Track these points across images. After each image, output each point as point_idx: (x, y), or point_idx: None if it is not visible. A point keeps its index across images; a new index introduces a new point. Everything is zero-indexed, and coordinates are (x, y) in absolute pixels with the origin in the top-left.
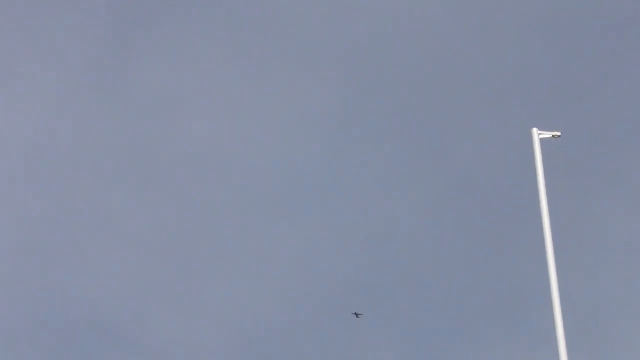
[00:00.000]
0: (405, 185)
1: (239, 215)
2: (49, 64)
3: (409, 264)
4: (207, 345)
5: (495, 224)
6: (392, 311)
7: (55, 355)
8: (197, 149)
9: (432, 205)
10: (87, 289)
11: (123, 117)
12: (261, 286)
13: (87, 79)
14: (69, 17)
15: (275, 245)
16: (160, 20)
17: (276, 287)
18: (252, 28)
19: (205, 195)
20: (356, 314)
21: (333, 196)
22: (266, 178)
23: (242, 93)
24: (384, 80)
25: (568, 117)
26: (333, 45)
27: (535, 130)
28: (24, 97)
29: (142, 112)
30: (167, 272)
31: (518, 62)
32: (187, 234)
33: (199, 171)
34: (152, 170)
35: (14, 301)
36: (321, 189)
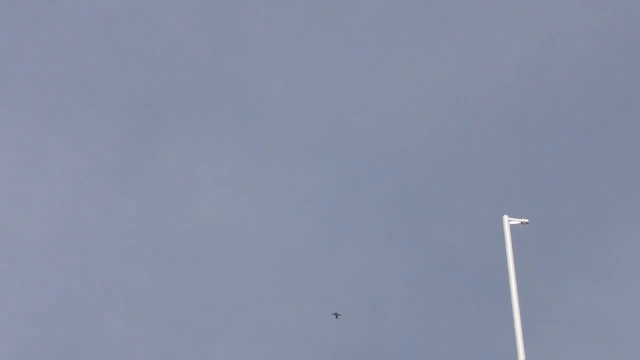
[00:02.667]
0: (394, 264)
1: (245, 287)
2: (77, 152)
3: (396, 333)
4: None
5: (470, 300)
6: None
7: None
8: (207, 229)
9: (416, 282)
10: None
11: (141, 200)
12: (264, 351)
13: (110, 165)
14: (95, 111)
15: (276, 314)
16: (176, 116)
17: (276, 353)
18: (257, 123)
19: (214, 270)
20: (336, 315)
21: (329, 272)
22: (269, 255)
23: (248, 179)
24: (376, 172)
25: (536, 205)
26: (330, 138)
27: (506, 217)
28: (53, 179)
29: (158, 196)
30: (179, 339)
31: (492, 158)
32: (197, 305)
33: (208, 248)
34: (166, 247)
35: None
36: (318, 265)
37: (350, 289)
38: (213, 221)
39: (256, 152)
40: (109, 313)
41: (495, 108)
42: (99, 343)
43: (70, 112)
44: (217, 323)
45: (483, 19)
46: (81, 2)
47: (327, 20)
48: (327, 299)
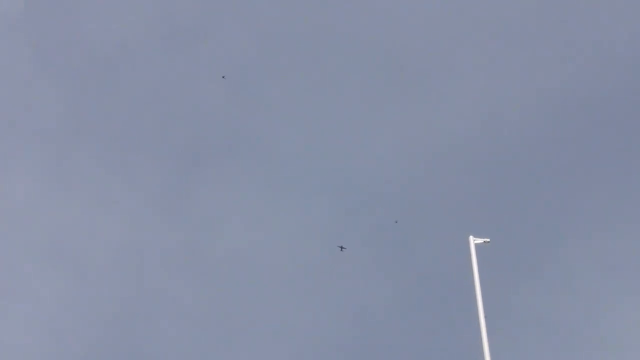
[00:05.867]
0: (379, 280)
1: (262, 299)
2: (133, 191)
3: (380, 335)
4: None
5: (441, 309)
6: None
7: None
8: (234, 253)
9: (398, 294)
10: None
11: (184, 230)
12: (275, 349)
13: (159, 201)
14: (148, 157)
15: (285, 322)
16: (211, 164)
17: (287, 350)
18: (272, 169)
19: (239, 285)
20: (341, 248)
21: (328, 286)
22: (282, 273)
23: (265, 213)
24: (364, 206)
25: (498, 226)
26: (328, 181)
27: (471, 238)
28: (115, 214)
29: (197, 226)
30: (214, 342)
31: (458, 187)
32: (227, 312)
33: (236, 269)
34: (204, 268)
35: None
36: (319, 281)
37: (344, 299)
38: (236, 245)
39: (272, 192)
40: (160, 320)
41: (462, 149)
42: (151, 344)
43: (128, 163)
44: (242, 328)
45: (449, 81)
46: (135, 72)
47: (325, 89)
48: (326, 307)
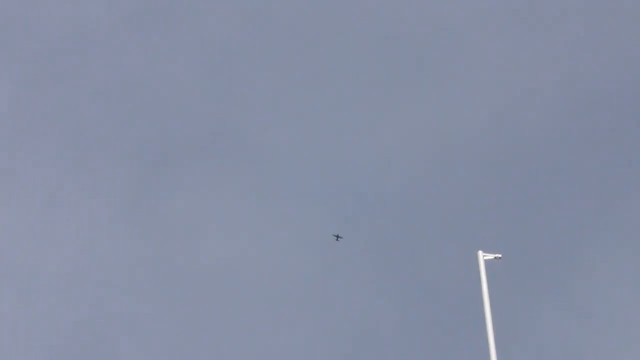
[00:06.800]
0: (381, 296)
1: (246, 317)
2: (93, 198)
3: (383, 350)
4: None
5: (449, 329)
6: None
7: None
8: (210, 267)
9: (401, 312)
10: None
11: (150, 239)
12: None
13: (123, 208)
14: (109, 159)
15: (274, 347)
16: (182, 164)
17: None
18: (256, 170)
19: (217, 302)
20: (337, 237)
21: (323, 304)
22: (268, 288)
23: (248, 221)
24: (364, 213)
25: (509, 241)
26: (322, 185)
27: (480, 253)
28: (72, 222)
29: (166, 236)
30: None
31: (467, 199)
32: (204, 337)
33: (212, 284)
34: (173, 283)
35: None
36: (313, 298)
37: (342, 316)
38: (215, 257)
39: (253, 197)
40: (123, 347)
41: (470, 155)
42: None
43: (86, 162)
44: (222, 355)
45: (456, 78)
46: (94, 59)
47: (317, 81)
48: (323, 327)
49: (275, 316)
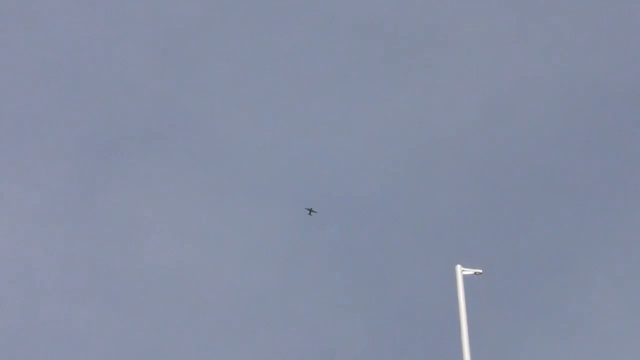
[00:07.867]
0: (348, 311)
1: (193, 330)
2: (25, 191)
3: None
4: None
5: (423, 348)
6: None
7: None
8: (154, 270)
9: (371, 329)
10: None
11: (90, 240)
12: None
13: (58, 204)
14: (44, 150)
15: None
16: (125, 157)
17: None
18: (208, 164)
19: (160, 310)
20: (310, 211)
21: (287, 320)
22: (217, 298)
23: (197, 221)
24: (331, 218)
25: (491, 255)
26: (284, 183)
27: (459, 267)
28: (2, 218)
29: (106, 236)
30: None
31: (445, 210)
32: (148, 350)
33: (156, 289)
34: (112, 287)
35: None
36: (275, 313)
37: (305, 335)
38: (160, 262)
39: (206, 194)
40: (54, 351)
41: (450, 158)
42: None
43: (19, 151)
44: None
45: (440, 70)
46: (32, 39)
47: (283, 63)
48: (280, 345)
49: (228, 332)
